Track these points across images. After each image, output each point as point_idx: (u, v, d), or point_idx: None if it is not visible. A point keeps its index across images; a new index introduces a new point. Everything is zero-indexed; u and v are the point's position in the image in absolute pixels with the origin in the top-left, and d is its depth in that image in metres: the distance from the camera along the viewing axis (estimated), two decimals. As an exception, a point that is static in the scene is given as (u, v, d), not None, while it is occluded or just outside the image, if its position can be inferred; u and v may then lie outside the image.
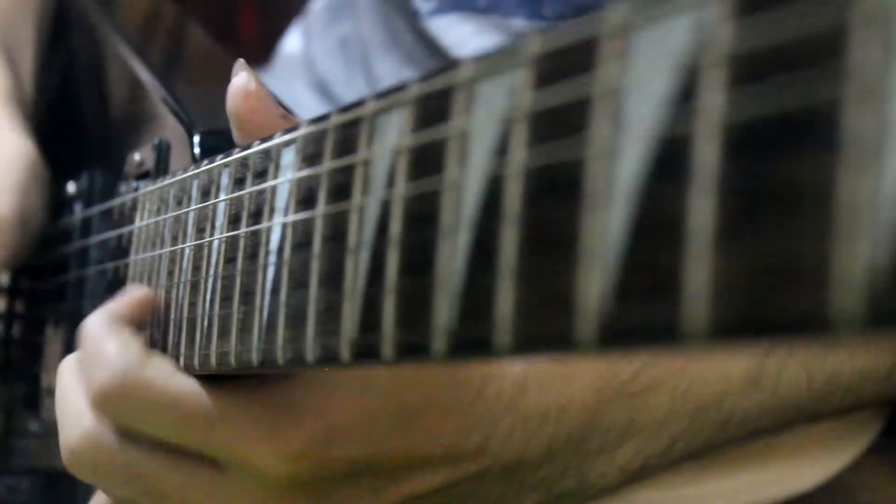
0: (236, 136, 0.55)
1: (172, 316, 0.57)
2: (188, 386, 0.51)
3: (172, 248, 0.58)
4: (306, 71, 0.87)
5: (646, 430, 0.57)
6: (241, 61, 0.55)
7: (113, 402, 0.52)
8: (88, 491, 0.75)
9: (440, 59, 0.74)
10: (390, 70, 0.80)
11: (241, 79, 0.54)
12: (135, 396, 0.52)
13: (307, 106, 0.81)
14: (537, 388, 0.54)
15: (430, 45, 0.76)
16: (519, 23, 0.71)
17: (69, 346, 0.78)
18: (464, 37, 0.73)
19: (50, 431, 0.81)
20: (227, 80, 0.54)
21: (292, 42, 0.92)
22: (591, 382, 0.56)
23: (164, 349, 0.58)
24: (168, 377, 0.52)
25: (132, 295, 0.58)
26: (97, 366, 0.53)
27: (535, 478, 0.55)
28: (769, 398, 0.60)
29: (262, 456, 0.49)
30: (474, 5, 0.72)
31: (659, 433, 0.58)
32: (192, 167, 0.58)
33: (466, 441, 0.52)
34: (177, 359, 0.56)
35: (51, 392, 0.79)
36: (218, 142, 0.62)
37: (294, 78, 0.87)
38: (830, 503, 0.63)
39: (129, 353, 0.52)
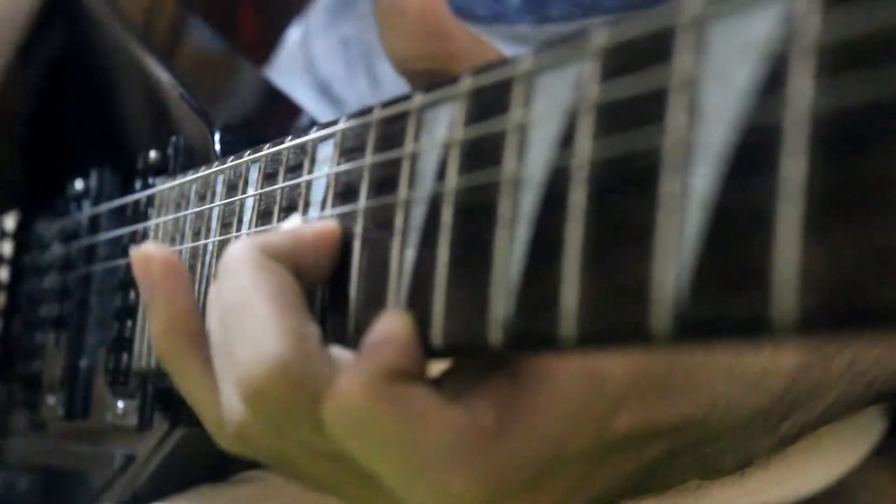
0: (402, 50, 0.45)
1: (194, 312, 0.56)
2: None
3: (194, 244, 0.57)
4: (306, 71, 0.87)
5: (813, 398, 0.53)
6: None
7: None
8: (87, 490, 0.74)
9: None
10: (393, 72, 0.79)
11: None
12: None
13: (307, 106, 0.80)
14: (752, 349, 0.49)
15: None
16: (524, 29, 0.71)
17: (70, 346, 0.77)
18: None
19: (50, 430, 0.80)
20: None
21: (292, 42, 0.92)
22: (797, 347, 0.51)
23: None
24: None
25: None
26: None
27: (707, 452, 0.50)
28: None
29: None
30: (475, 14, 0.72)
31: (819, 402, 0.54)
32: (216, 163, 0.57)
33: (695, 410, 0.46)
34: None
35: (51, 390, 0.79)
36: (238, 139, 0.62)
37: (294, 78, 0.87)
38: (831, 503, 0.63)
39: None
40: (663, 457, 0.46)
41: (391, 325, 0.40)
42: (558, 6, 0.69)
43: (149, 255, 0.52)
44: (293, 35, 0.91)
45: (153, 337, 0.52)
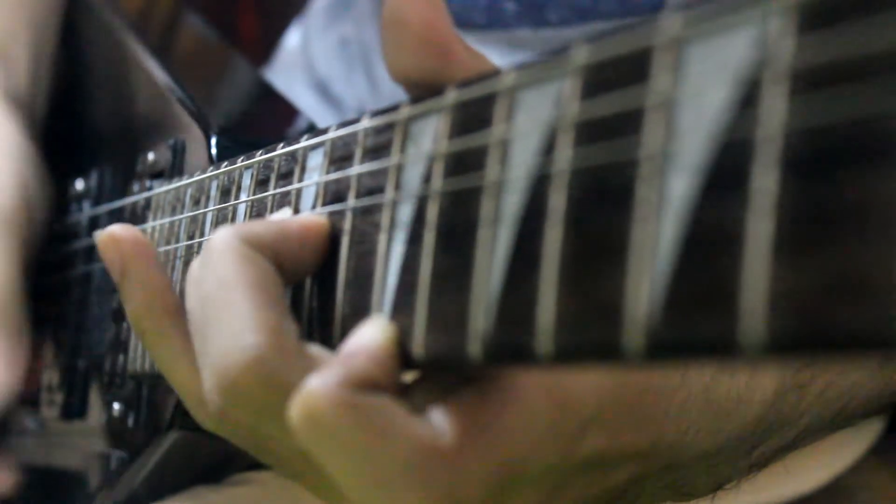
0: (402, 62, 0.44)
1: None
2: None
3: (189, 245, 0.57)
4: (306, 71, 0.87)
5: (787, 425, 0.53)
6: None
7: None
8: (83, 490, 0.74)
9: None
10: None
11: None
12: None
13: (307, 106, 0.80)
14: (728, 374, 0.48)
15: None
16: (524, 33, 0.71)
17: (70, 345, 0.77)
18: None
19: (48, 430, 0.81)
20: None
21: (292, 42, 0.92)
22: (773, 373, 0.50)
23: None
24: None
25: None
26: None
27: (677, 476, 0.49)
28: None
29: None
30: (473, 21, 0.72)
31: (792, 429, 0.54)
32: (210, 168, 0.57)
33: (665, 436, 0.46)
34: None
35: (51, 389, 0.79)
36: (235, 142, 0.62)
37: (293, 78, 0.87)
38: (830, 503, 0.63)
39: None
40: (632, 480, 0.46)
41: (370, 334, 0.40)
42: (556, 11, 0.69)
43: (116, 235, 0.51)
44: (292, 36, 0.91)
45: (132, 318, 0.51)
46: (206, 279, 0.44)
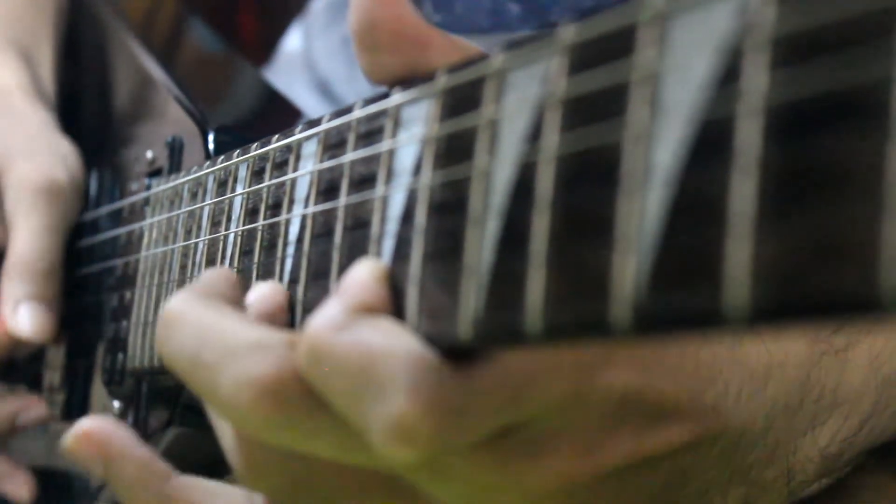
0: (381, 65, 0.44)
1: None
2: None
3: (186, 243, 0.57)
4: (307, 70, 0.87)
5: (845, 403, 0.50)
6: None
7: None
8: (85, 489, 0.74)
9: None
10: None
11: None
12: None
13: (308, 106, 0.80)
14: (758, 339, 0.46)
15: None
16: None
17: (70, 344, 0.77)
18: None
19: (48, 430, 0.81)
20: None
21: (292, 42, 0.92)
22: (799, 337, 0.48)
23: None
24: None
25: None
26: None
27: (746, 462, 0.47)
28: None
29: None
30: (478, 26, 0.72)
31: (853, 410, 0.51)
32: (207, 163, 0.57)
33: (703, 394, 0.43)
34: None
35: (52, 390, 0.79)
36: (232, 139, 0.62)
37: (294, 78, 0.87)
38: (830, 503, 0.63)
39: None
40: (686, 455, 0.44)
41: (360, 270, 0.40)
42: (559, 13, 0.69)
43: (82, 432, 0.52)
44: (293, 37, 0.91)
45: (129, 497, 0.53)
46: (182, 338, 0.43)
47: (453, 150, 0.38)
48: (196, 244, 0.56)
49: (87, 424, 0.52)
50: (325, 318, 0.39)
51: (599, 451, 0.41)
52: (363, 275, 0.40)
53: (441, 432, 0.37)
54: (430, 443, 0.37)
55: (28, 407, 0.82)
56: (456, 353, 0.37)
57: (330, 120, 0.46)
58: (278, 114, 0.73)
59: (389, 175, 0.41)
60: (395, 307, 0.39)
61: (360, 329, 0.38)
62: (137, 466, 0.52)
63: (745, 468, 0.47)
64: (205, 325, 0.43)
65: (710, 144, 0.28)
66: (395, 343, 0.38)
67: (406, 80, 0.43)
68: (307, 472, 0.44)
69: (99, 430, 0.52)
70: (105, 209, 0.75)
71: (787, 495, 0.50)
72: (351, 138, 0.44)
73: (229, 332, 0.42)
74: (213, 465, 0.69)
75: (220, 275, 0.47)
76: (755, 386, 0.45)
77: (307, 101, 0.83)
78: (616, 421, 0.41)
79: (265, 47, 0.92)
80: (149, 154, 0.68)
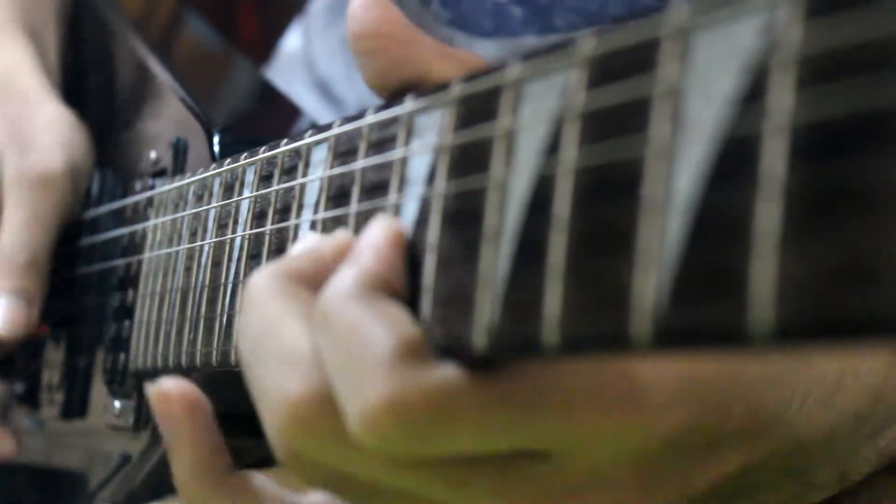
0: (374, 68, 0.45)
1: (189, 313, 0.56)
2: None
3: (191, 245, 0.57)
4: (307, 71, 0.87)
5: None
6: None
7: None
8: (84, 489, 0.74)
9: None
10: None
11: None
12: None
13: (308, 106, 0.80)
14: None
15: None
16: (530, 41, 0.71)
17: (70, 344, 0.77)
18: None
19: (47, 429, 0.80)
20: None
21: (292, 42, 0.92)
22: None
23: (178, 345, 0.57)
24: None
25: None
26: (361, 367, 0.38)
27: (802, 466, 0.46)
28: None
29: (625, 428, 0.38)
30: (481, 28, 0.72)
31: None
32: (213, 166, 0.57)
33: (764, 406, 0.42)
34: (192, 356, 0.56)
35: (51, 389, 0.79)
36: (236, 140, 0.62)
37: (294, 78, 0.87)
38: (831, 503, 0.63)
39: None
40: (747, 465, 0.42)
41: (373, 230, 0.40)
42: (563, 16, 0.69)
43: (167, 393, 0.50)
44: (293, 37, 0.91)
45: (178, 481, 0.51)
46: (253, 322, 0.43)
47: (468, 161, 0.38)
48: (202, 247, 0.56)
49: (170, 387, 0.50)
50: (336, 286, 0.39)
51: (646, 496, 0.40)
52: (378, 238, 0.40)
53: (415, 432, 0.37)
54: (401, 440, 0.37)
55: None
56: (475, 364, 0.37)
57: (341, 125, 0.46)
58: (281, 114, 0.73)
59: (402, 183, 0.41)
60: (407, 274, 0.39)
61: (363, 307, 0.38)
62: (206, 447, 0.50)
63: (801, 471, 0.46)
64: (268, 319, 0.42)
65: (734, 162, 0.28)
66: (390, 333, 0.37)
67: (402, 87, 0.43)
68: (343, 475, 0.43)
69: (176, 398, 0.50)
70: (107, 208, 0.75)
71: (838, 490, 0.49)
72: (362, 145, 0.44)
73: (287, 338, 0.41)
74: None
75: (307, 251, 0.44)
76: (823, 394, 0.44)
77: (307, 101, 0.83)
78: (668, 459, 0.40)
79: (265, 47, 0.92)
80: (153, 154, 0.68)
